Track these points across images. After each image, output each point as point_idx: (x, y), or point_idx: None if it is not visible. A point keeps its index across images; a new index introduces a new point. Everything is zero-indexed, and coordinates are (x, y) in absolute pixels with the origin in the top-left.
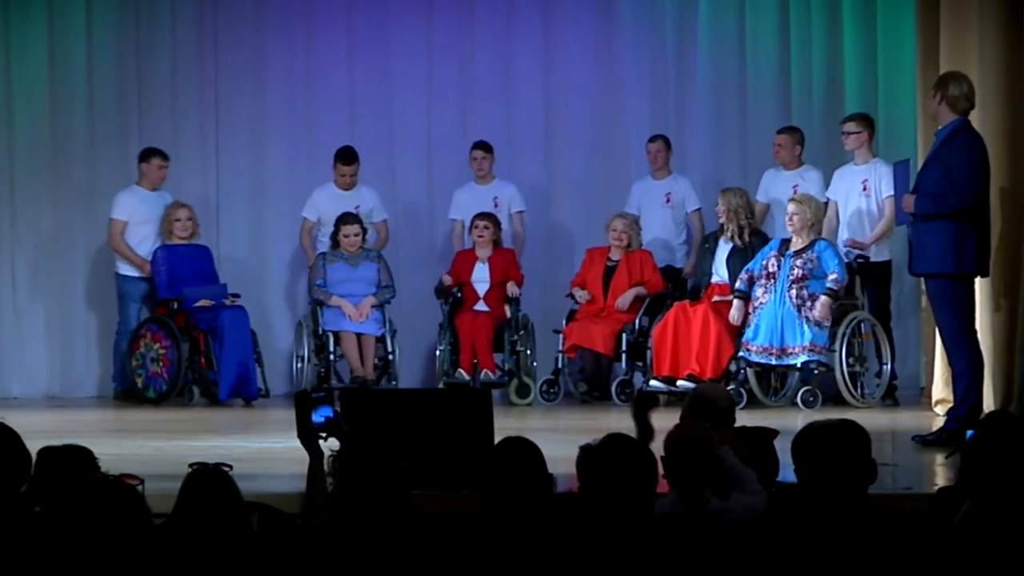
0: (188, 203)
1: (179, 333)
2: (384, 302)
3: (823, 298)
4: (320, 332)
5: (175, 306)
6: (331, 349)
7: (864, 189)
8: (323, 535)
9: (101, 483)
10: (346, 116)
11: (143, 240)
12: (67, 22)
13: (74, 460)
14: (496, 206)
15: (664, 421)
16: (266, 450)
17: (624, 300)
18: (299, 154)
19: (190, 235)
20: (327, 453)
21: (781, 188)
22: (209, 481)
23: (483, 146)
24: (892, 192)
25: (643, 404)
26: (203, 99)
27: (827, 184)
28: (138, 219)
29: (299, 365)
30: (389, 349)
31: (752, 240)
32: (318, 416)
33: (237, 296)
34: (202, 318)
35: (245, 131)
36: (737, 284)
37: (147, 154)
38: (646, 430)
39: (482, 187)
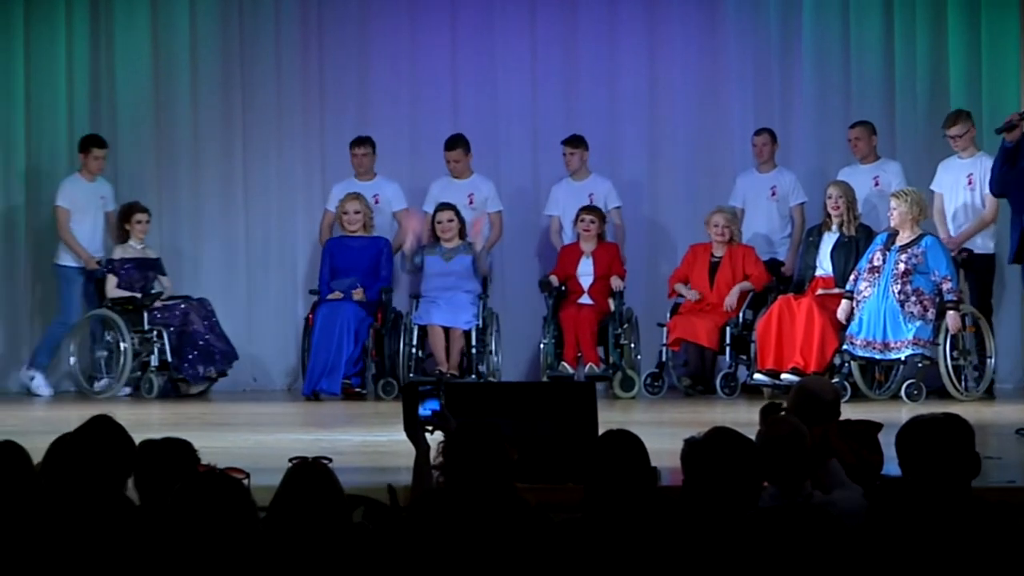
0: (361, 194)
1: (306, 327)
2: (477, 295)
3: (951, 313)
4: (410, 325)
5: (315, 299)
6: (414, 343)
7: (969, 183)
8: (428, 528)
9: (207, 476)
10: (450, 107)
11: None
12: (171, 18)
13: (175, 453)
14: (591, 201)
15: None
16: (370, 443)
17: (731, 299)
18: (403, 143)
19: (360, 227)
20: (433, 446)
21: (860, 182)
22: (310, 475)
23: (570, 142)
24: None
25: (770, 412)
26: (307, 88)
27: (907, 174)
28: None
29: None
30: (474, 344)
31: (857, 233)
32: (424, 409)
33: (388, 290)
34: (316, 312)
35: (350, 121)
36: (847, 285)
37: (351, 144)
38: None
39: (578, 183)
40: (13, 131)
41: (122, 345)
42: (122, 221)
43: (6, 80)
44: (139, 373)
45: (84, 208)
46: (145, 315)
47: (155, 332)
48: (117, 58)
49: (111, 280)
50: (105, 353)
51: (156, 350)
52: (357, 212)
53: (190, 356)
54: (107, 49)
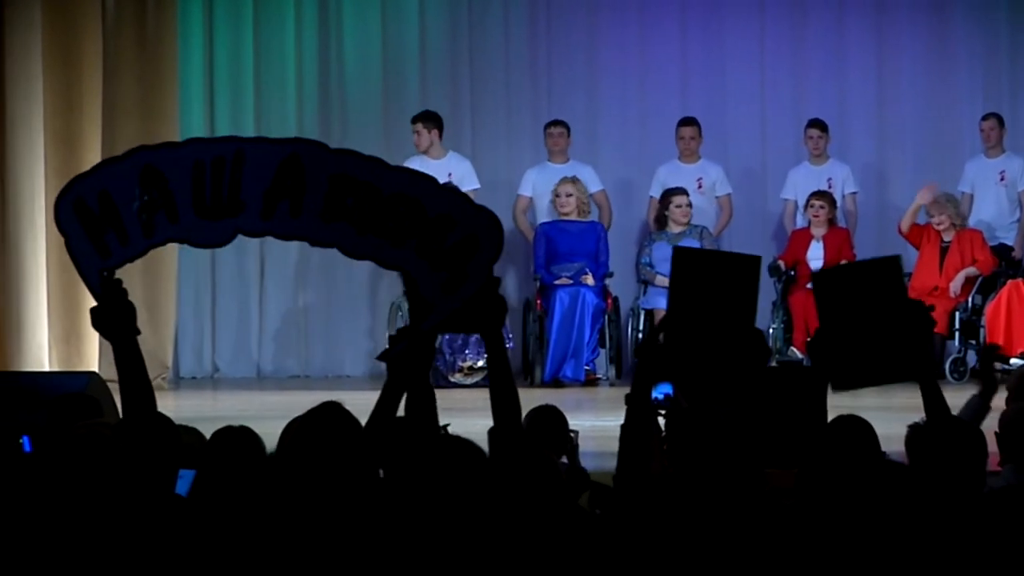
0: (577, 178)
1: (534, 312)
2: None
3: None
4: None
5: (537, 284)
6: (640, 328)
7: None
8: (657, 513)
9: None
10: (678, 95)
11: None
12: (400, 12)
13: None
14: (830, 186)
15: (996, 400)
16: (599, 428)
17: (956, 284)
18: (631, 129)
19: (573, 211)
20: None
21: None
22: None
23: (819, 124)
24: None
25: (989, 355)
26: (536, 82)
27: None
28: (535, 193)
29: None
30: None
31: None
32: (657, 392)
33: (609, 275)
34: (545, 297)
35: (579, 111)
36: None
37: (546, 125)
38: (990, 382)
39: (816, 167)
40: (243, 125)
41: None
42: None
43: (236, 74)
44: None
45: None
46: None
47: None
48: (347, 51)
49: None
50: None
51: None
52: (570, 195)
53: (456, 344)
54: (336, 42)
